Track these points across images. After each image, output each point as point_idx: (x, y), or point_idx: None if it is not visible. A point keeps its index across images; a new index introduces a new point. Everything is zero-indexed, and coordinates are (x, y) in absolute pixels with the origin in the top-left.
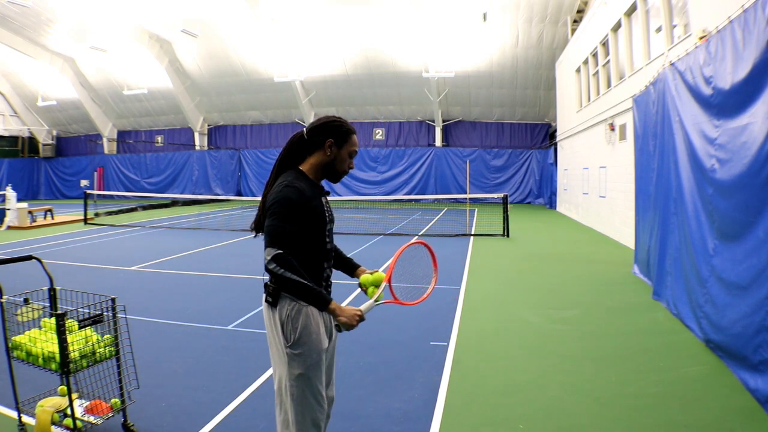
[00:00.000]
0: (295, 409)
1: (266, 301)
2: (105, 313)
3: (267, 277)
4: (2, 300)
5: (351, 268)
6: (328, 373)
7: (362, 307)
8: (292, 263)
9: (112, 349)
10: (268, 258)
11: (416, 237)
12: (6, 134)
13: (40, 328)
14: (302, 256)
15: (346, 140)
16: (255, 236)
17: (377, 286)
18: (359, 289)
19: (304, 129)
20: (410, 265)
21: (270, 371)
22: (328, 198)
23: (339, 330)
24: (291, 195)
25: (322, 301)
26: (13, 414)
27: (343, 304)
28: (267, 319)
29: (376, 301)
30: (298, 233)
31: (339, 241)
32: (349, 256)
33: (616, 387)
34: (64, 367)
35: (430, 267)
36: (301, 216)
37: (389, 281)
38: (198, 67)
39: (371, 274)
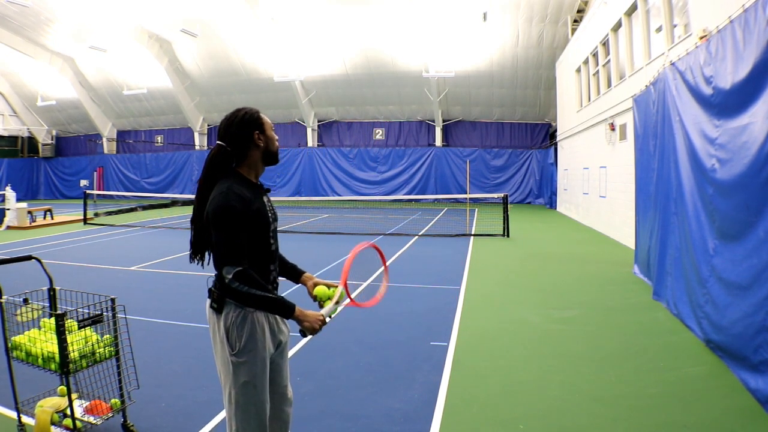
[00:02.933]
0: (240, 417)
1: (211, 307)
2: (105, 313)
3: (210, 283)
4: (2, 300)
5: (296, 275)
6: (283, 374)
7: (324, 311)
8: (254, 278)
9: (112, 349)
10: (230, 277)
11: (369, 241)
12: (5, 134)
13: (39, 328)
14: (250, 262)
15: (263, 123)
16: (194, 262)
17: (331, 299)
18: (361, 286)
19: (219, 142)
20: (361, 266)
21: None
22: (270, 197)
23: (303, 335)
24: (233, 203)
25: (287, 309)
26: (13, 414)
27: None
28: (211, 326)
29: (336, 304)
30: (247, 242)
31: (339, 242)
32: (292, 262)
33: (616, 387)
34: (64, 367)
35: (380, 266)
36: (246, 223)
37: (345, 285)
38: (198, 67)
39: (325, 287)
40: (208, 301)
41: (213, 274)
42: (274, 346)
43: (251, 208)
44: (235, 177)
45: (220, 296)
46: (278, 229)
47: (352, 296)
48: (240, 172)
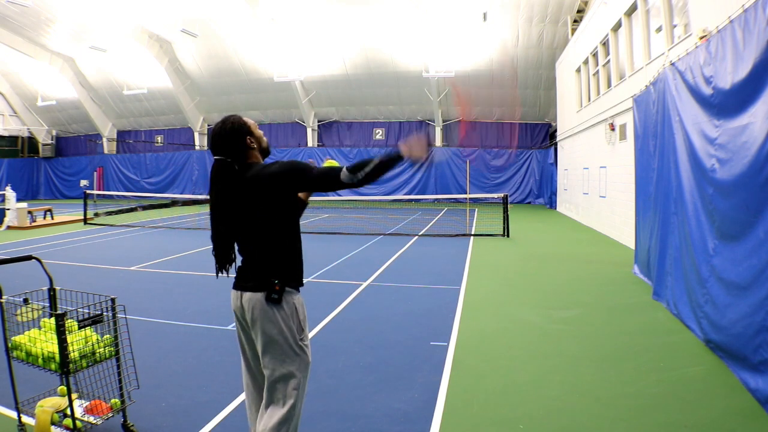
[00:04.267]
0: (300, 398)
1: (269, 299)
2: (105, 313)
3: (270, 277)
4: (2, 300)
5: None
6: None
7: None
8: (358, 163)
9: (112, 349)
10: (350, 174)
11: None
12: (5, 134)
13: (39, 328)
14: (290, 237)
15: (249, 126)
16: (219, 274)
17: None
18: (361, 286)
19: (218, 157)
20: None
21: None
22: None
23: (415, 163)
24: (291, 160)
25: (397, 156)
26: (13, 414)
27: (347, 301)
28: (265, 318)
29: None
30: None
31: (339, 242)
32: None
33: (616, 387)
34: (64, 367)
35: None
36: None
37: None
38: (198, 67)
39: None
40: (261, 294)
41: (256, 268)
42: None
43: None
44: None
45: (281, 286)
46: None
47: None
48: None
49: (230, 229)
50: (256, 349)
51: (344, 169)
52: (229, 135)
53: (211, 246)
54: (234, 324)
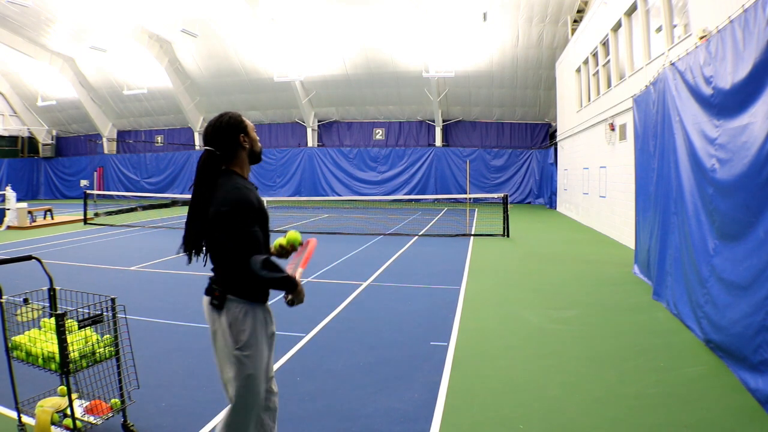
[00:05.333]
0: (243, 409)
1: (211, 304)
2: (105, 313)
3: (209, 281)
4: (2, 300)
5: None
6: (271, 365)
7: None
8: (277, 263)
9: (112, 349)
10: (258, 266)
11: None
12: (6, 134)
13: (39, 328)
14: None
15: (246, 125)
16: (190, 261)
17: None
18: (361, 286)
19: (207, 147)
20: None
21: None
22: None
23: (291, 305)
24: (250, 198)
25: (294, 283)
26: (13, 414)
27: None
28: (211, 323)
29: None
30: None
31: (339, 242)
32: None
33: (616, 387)
34: (64, 367)
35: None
36: (259, 217)
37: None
38: (198, 67)
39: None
40: (207, 298)
41: (211, 273)
42: (268, 338)
43: (260, 204)
44: (232, 175)
45: (222, 293)
46: (277, 228)
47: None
48: (236, 171)
49: (200, 224)
50: None
51: (259, 260)
52: (225, 128)
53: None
54: None
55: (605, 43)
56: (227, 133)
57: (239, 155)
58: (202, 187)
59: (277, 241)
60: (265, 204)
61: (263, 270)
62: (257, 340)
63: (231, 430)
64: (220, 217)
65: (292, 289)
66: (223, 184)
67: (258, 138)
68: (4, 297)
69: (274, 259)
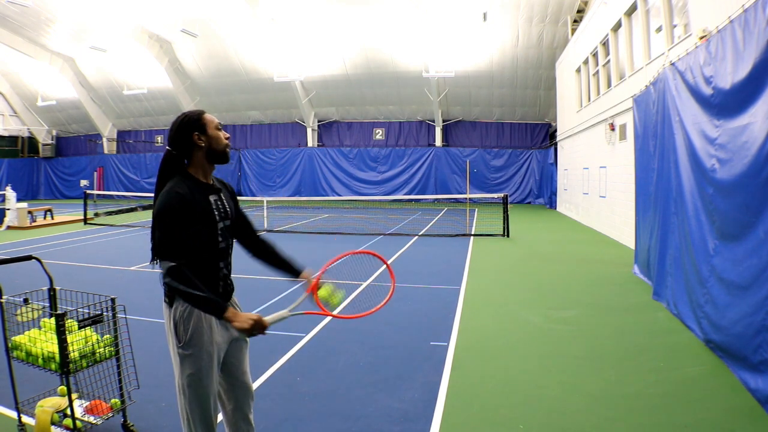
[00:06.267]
0: (187, 407)
1: (164, 300)
2: (105, 313)
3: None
4: (2, 300)
5: (293, 270)
6: (241, 368)
7: (268, 318)
8: (186, 275)
9: (112, 349)
10: (163, 272)
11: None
12: (6, 134)
13: (39, 328)
14: (195, 260)
15: (203, 123)
16: (151, 263)
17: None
18: (361, 286)
19: (167, 147)
20: (355, 269)
21: (271, 371)
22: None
23: (242, 337)
24: (171, 202)
25: (217, 310)
26: (13, 414)
27: (347, 301)
28: (165, 318)
29: (290, 311)
30: (185, 239)
31: (339, 242)
32: (288, 257)
33: (616, 387)
34: (64, 367)
35: (386, 279)
36: (186, 220)
37: (315, 290)
38: (198, 67)
39: (329, 288)
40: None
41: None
42: (225, 341)
43: (193, 206)
44: (181, 176)
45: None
46: (277, 228)
47: (343, 306)
48: (189, 172)
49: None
50: None
51: (166, 266)
52: (177, 128)
53: None
54: None
55: (605, 43)
56: (180, 133)
57: (195, 155)
58: (158, 187)
59: (326, 287)
60: (218, 204)
61: (172, 280)
62: (201, 341)
63: (187, 426)
64: (152, 221)
65: (217, 315)
66: (166, 188)
67: (221, 135)
68: (4, 297)
69: (185, 269)
